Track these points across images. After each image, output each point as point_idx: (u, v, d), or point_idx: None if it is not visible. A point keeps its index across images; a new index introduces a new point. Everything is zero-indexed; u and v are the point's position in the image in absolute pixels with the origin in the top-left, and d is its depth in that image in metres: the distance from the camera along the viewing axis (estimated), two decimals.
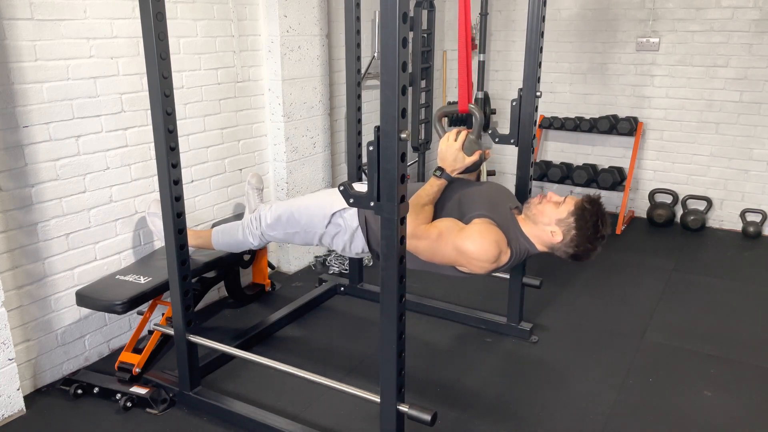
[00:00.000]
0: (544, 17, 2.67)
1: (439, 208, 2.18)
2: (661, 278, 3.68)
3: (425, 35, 3.74)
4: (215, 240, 2.71)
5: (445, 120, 3.68)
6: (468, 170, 2.19)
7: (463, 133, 2.16)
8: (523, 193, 3.01)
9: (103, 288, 2.54)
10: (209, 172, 3.21)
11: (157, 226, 2.65)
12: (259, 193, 3.05)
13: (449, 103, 4.72)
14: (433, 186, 2.10)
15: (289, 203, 2.52)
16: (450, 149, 2.13)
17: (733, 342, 2.95)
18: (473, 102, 2.33)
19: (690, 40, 4.31)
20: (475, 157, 2.16)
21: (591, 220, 2.00)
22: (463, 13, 2.25)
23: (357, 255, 2.40)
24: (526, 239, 2.12)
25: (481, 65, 4.45)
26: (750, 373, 2.70)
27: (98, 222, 2.70)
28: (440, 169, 2.14)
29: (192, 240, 2.68)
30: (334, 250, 3.53)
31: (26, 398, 2.44)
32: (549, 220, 2.07)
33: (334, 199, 2.33)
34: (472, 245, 2.01)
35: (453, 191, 2.20)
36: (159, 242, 2.92)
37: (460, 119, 4.11)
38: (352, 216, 2.30)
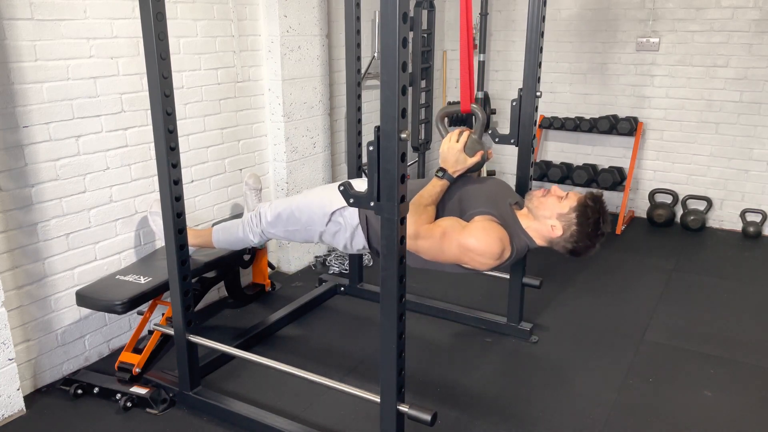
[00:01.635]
0: (544, 17, 2.67)
1: (440, 207, 2.19)
2: (661, 278, 3.67)
3: (425, 35, 3.75)
4: (215, 238, 2.71)
5: (446, 120, 3.69)
6: (470, 171, 2.20)
7: (465, 134, 2.16)
8: (523, 194, 3.01)
9: (103, 288, 2.55)
10: (209, 172, 3.21)
11: (158, 225, 2.65)
12: (257, 194, 3.05)
13: (450, 103, 4.72)
14: (435, 187, 2.11)
15: (289, 201, 2.52)
16: (452, 150, 2.13)
17: (733, 342, 2.95)
18: (475, 102, 2.33)
19: (690, 40, 4.31)
20: (477, 158, 2.16)
21: (593, 217, 2.01)
22: (464, 13, 2.24)
23: (358, 251, 2.41)
24: (526, 234, 2.13)
25: (481, 65, 4.45)
26: (750, 373, 2.70)
27: (98, 222, 2.70)
28: (442, 170, 2.14)
29: (192, 239, 2.68)
30: (335, 249, 3.54)
31: (26, 398, 2.44)
32: (550, 214, 2.08)
33: (333, 198, 2.32)
34: (476, 242, 2.02)
35: (453, 189, 2.20)
36: (159, 242, 2.92)
37: (460, 119, 4.12)
38: (352, 214, 2.30)
